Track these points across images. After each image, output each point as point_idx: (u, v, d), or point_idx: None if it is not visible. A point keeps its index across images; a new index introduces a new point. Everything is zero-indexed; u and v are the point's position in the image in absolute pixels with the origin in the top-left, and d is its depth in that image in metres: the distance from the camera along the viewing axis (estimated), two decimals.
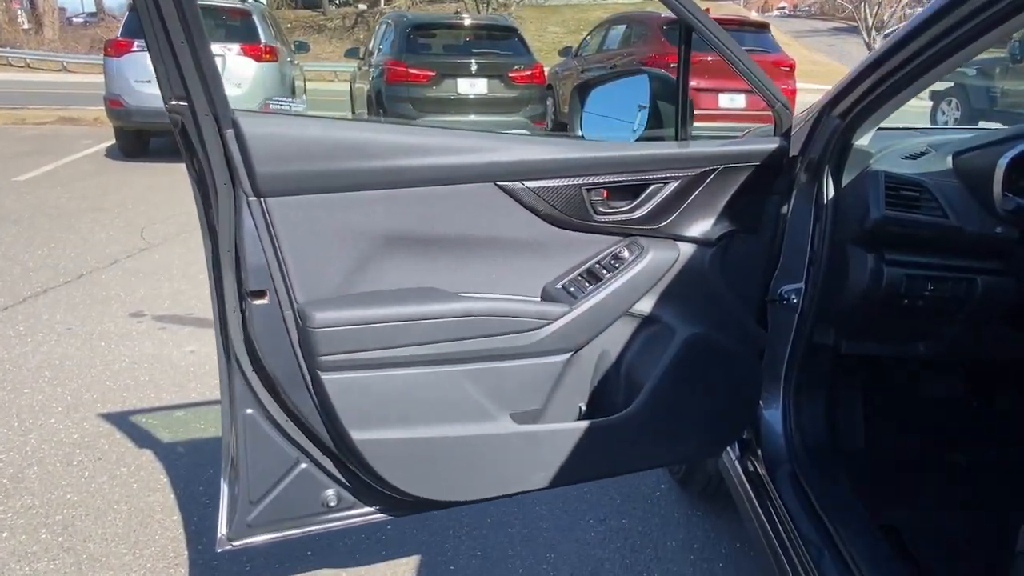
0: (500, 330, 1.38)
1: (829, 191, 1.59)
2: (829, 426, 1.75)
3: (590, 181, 1.43)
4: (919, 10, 1.31)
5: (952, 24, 1.23)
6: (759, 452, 1.74)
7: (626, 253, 1.48)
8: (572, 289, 1.46)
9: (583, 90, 1.73)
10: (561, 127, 10.68)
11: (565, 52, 11.56)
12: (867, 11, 10.67)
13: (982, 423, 1.88)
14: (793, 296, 1.66)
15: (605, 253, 1.49)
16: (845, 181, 1.61)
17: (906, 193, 1.52)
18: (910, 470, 1.81)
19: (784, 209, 1.63)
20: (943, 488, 1.78)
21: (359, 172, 1.27)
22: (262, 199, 1.22)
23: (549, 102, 10.30)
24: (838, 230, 1.60)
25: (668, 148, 1.48)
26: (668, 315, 1.53)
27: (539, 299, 1.47)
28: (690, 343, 1.52)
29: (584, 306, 1.43)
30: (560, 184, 1.40)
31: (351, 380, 1.29)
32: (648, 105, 1.57)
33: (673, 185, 1.48)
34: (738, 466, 1.79)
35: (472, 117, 8.17)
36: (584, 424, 1.47)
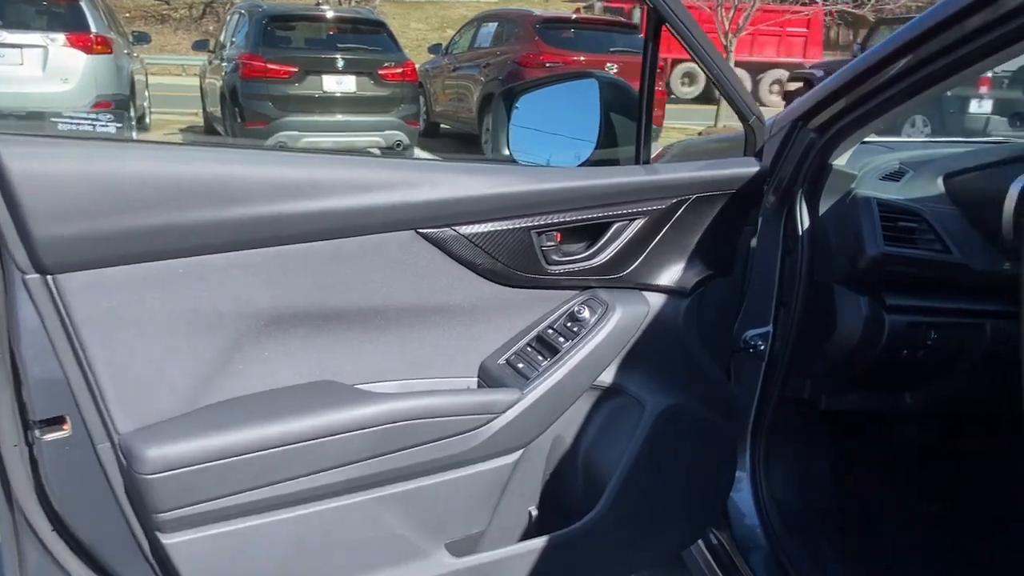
0: (430, 436, 0.99)
1: (804, 219, 1.32)
2: (809, 496, 1.50)
3: (541, 222, 1.07)
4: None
5: (974, 30, 0.98)
6: (728, 531, 1.45)
7: (586, 313, 1.13)
8: (521, 366, 1.09)
9: (509, 98, 1.36)
10: (433, 127, 10.26)
11: (435, 49, 11.14)
12: (723, 15, 11.00)
13: (976, 472, 1.71)
14: (759, 342, 1.38)
15: (560, 314, 1.14)
16: (823, 207, 1.35)
17: (904, 224, 1.28)
18: (902, 531, 1.59)
19: (753, 241, 1.35)
20: (935, 546, 1.57)
21: (213, 226, 0.84)
22: (48, 276, 0.77)
23: (421, 101, 9.87)
24: (819, 267, 1.33)
25: (633, 176, 1.15)
26: (635, 385, 1.20)
27: (478, 381, 1.09)
28: (663, 419, 1.20)
29: (539, 388, 1.08)
30: (503, 228, 1.04)
31: (213, 541, 0.86)
32: (599, 119, 1.22)
33: (640, 222, 1.15)
34: (704, 548, 1.49)
35: (340, 117, 7.63)
36: (541, 542, 1.12)
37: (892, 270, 1.26)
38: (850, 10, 15.32)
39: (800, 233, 1.32)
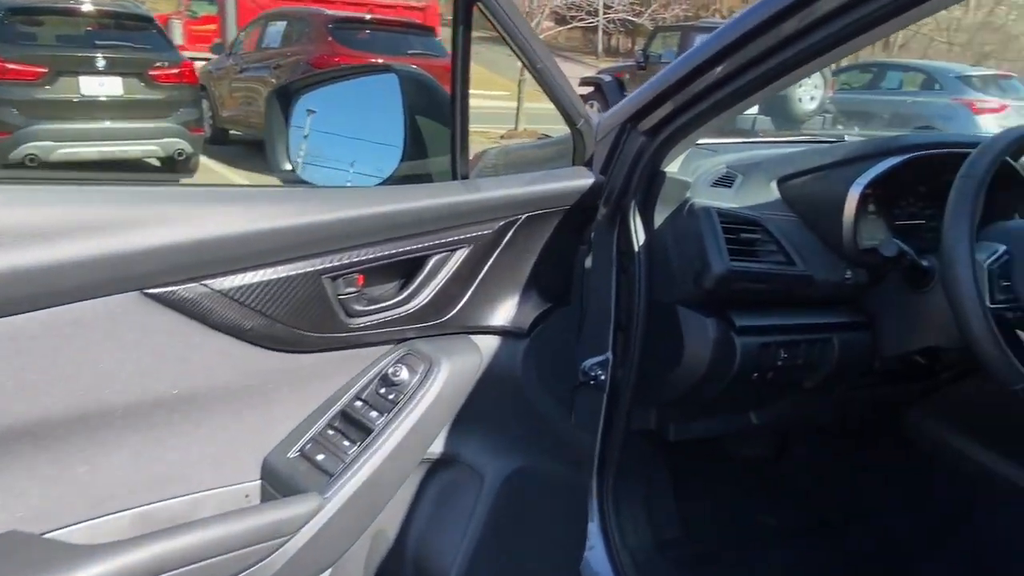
0: None
1: (639, 233, 1.17)
2: (665, 535, 1.36)
3: (335, 263, 0.80)
4: None
5: (814, 20, 0.87)
6: None
7: (404, 373, 0.88)
8: (321, 457, 0.82)
9: (284, 98, 1.07)
10: (221, 133, 9.39)
11: (218, 49, 10.24)
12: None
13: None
14: (599, 372, 1.21)
15: (370, 379, 0.88)
16: (659, 219, 1.21)
17: (746, 236, 1.16)
18: (760, 554, 1.51)
19: (587, 261, 1.18)
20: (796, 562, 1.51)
21: None
22: None
23: (205, 105, 8.99)
24: (660, 286, 1.19)
25: (451, 195, 0.91)
26: (471, 451, 0.98)
27: (262, 487, 0.80)
28: (508, 488, 0.99)
29: (348, 485, 0.81)
30: (281, 275, 0.76)
31: None
32: (403, 123, 0.97)
33: (463, 252, 0.92)
34: None
35: (107, 124, 6.70)
36: None
37: (739, 288, 1.14)
38: (630, 18, 16.35)
39: (636, 249, 1.17)
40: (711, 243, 1.13)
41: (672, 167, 1.21)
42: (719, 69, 1.00)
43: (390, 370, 0.87)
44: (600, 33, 20.22)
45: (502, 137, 10.15)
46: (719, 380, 1.18)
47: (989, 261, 0.99)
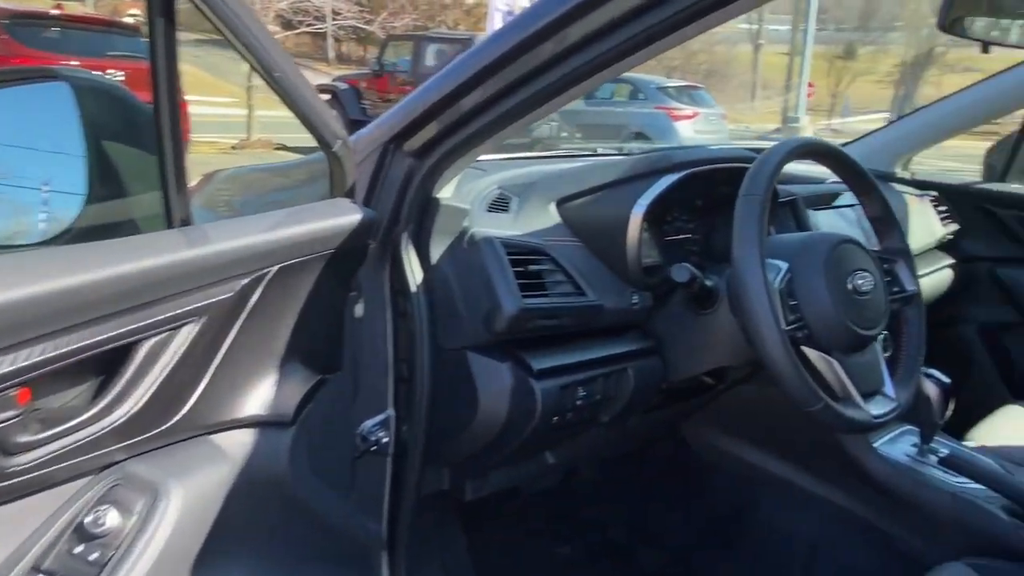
0: None
1: (414, 269, 1.00)
2: None
3: None
4: None
5: (569, 46, 0.79)
6: None
7: (112, 518, 0.61)
8: None
9: None
10: None
11: None
12: None
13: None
14: (381, 433, 1.03)
15: (53, 538, 0.59)
16: (436, 252, 1.05)
17: (534, 267, 1.04)
18: None
19: (358, 308, 0.99)
20: None
21: None
22: None
23: None
24: (443, 329, 1.03)
25: (166, 250, 0.66)
26: None
27: None
28: None
29: None
30: None
31: None
32: (85, 152, 0.69)
33: (192, 327, 0.67)
34: None
35: None
36: None
37: (532, 326, 1.01)
38: (360, 25, 16.11)
39: (413, 288, 0.99)
40: (499, 279, 0.99)
41: (446, 192, 1.05)
42: (480, 91, 0.87)
43: (87, 518, 0.59)
44: (330, 39, 19.67)
45: (233, 147, 9.30)
46: (520, 431, 1.05)
47: (777, 282, 0.97)
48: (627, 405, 1.16)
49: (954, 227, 1.96)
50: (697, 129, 10.71)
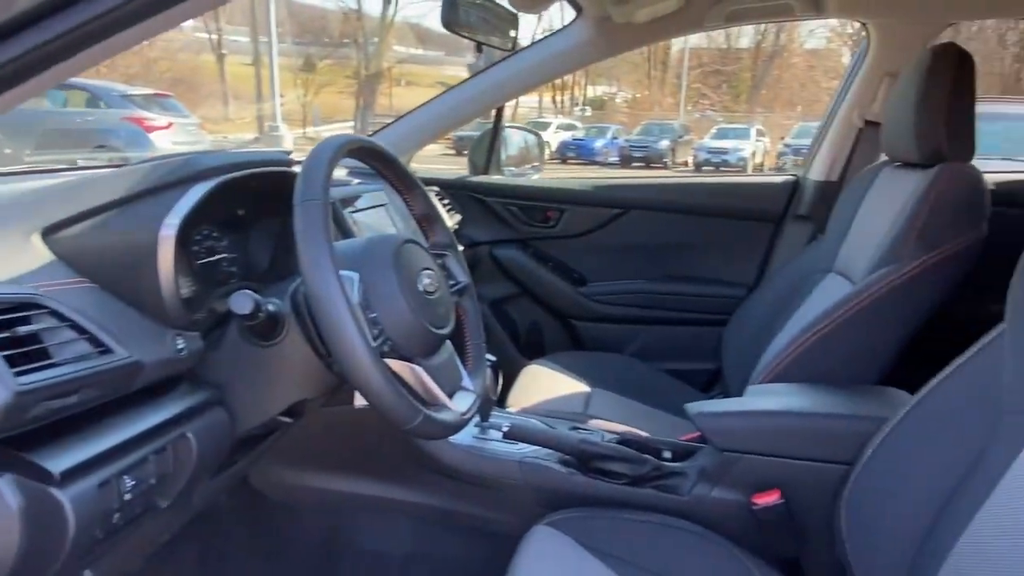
0: None
1: None
2: None
3: None
4: None
5: None
6: None
7: None
8: None
9: None
10: None
11: None
12: None
13: None
14: None
15: None
16: None
17: (25, 329, 0.73)
18: None
19: None
20: None
21: None
22: None
23: None
24: None
25: None
26: None
27: None
28: None
29: None
30: None
31: None
32: None
33: None
34: None
35: None
36: None
37: (39, 413, 0.70)
38: None
39: None
40: None
41: None
42: None
43: None
44: None
45: None
46: (48, 561, 0.73)
47: (354, 295, 0.87)
48: (191, 478, 0.92)
49: (458, 217, 2.15)
50: (175, 140, 9.96)
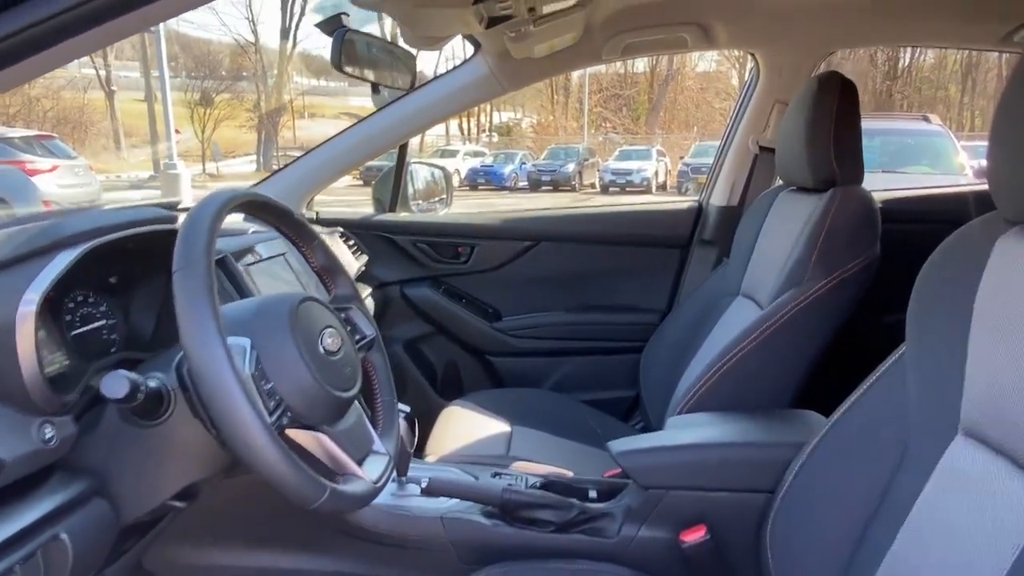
0: None
1: None
2: None
3: None
4: None
5: None
6: None
7: None
8: None
9: None
10: None
11: None
12: None
13: None
14: None
15: None
16: None
17: None
18: None
19: None
20: None
21: None
22: None
23: None
24: None
25: None
26: None
27: None
28: None
29: None
30: None
31: None
32: None
33: None
34: None
35: None
36: None
37: None
38: None
39: None
40: None
41: None
42: None
43: None
44: None
45: None
46: None
47: (246, 366, 0.79)
48: None
49: (365, 258, 2.08)
50: (61, 183, 9.43)
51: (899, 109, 21.94)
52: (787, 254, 1.46)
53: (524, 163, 20.93)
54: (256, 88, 25.91)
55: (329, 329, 0.93)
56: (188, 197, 11.33)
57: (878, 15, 1.74)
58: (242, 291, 1.22)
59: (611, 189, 18.31)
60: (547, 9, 1.31)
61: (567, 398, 1.99)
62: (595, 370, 2.16)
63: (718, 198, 2.11)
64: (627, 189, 18.12)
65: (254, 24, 25.73)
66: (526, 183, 19.67)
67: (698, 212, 2.15)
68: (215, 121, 25.76)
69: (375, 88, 1.29)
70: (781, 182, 1.73)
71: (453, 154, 20.37)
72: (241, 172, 23.80)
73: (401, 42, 1.33)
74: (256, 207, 0.95)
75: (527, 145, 26.13)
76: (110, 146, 25.46)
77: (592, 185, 19.68)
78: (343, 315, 1.07)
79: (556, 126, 28.61)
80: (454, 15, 1.20)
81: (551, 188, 19.14)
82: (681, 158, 19.47)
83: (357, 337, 1.07)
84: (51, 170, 9.42)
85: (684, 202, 2.21)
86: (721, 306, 1.71)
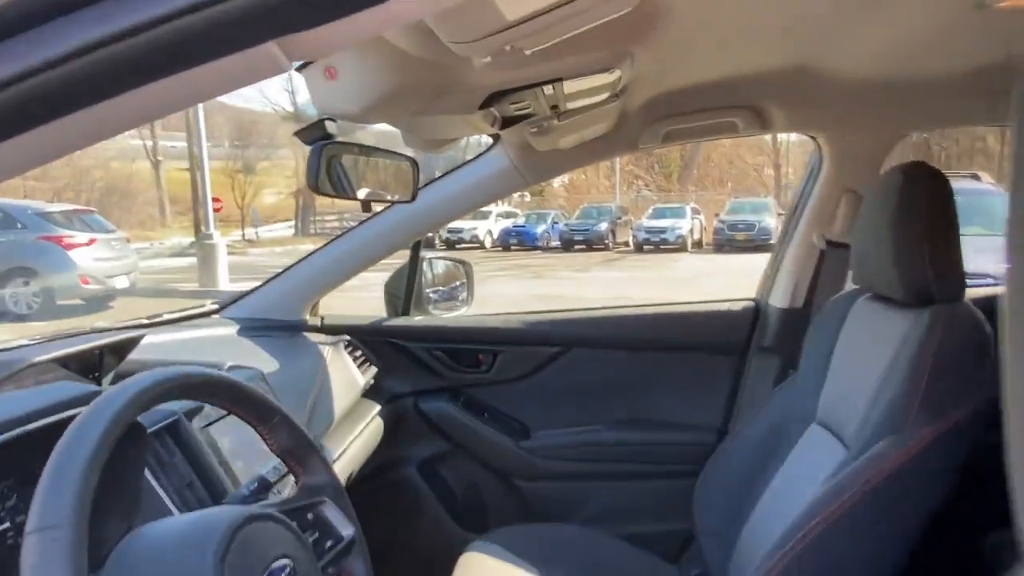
0: None
1: None
2: None
3: None
4: None
5: None
6: None
7: None
8: None
9: None
10: None
11: None
12: None
13: None
14: None
15: None
16: None
17: None
18: None
19: None
20: None
21: None
22: None
23: None
24: None
25: None
26: None
27: None
28: None
29: None
30: None
31: None
32: None
33: None
34: None
35: None
36: None
37: None
38: None
39: None
40: None
41: None
42: None
43: None
44: None
45: None
46: None
47: None
48: None
49: (374, 370, 1.85)
50: (97, 256, 9.51)
51: (937, 161, 21.44)
52: (877, 385, 1.17)
53: (556, 223, 20.85)
54: (294, 155, 26.55)
55: (281, 559, 0.68)
56: (224, 266, 11.40)
57: (965, 93, 1.48)
58: (197, 464, 0.98)
59: (646, 247, 18.07)
60: (572, 105, 1.09)
61: (607, 537, 1.70)
62: (639, 499, 1.86)
63: (779, 299, 1.83)
64: (662, 247, 17.85)
65: (293, 95, 26.44)
66: (558, 243, 19.54)
67: (755, 313, 1.87)
68: (255, 188, 26.37)
69: (366, 207, 1.08)
70: (855, 285, 1.46)
71: (486, 216, 20.37)
72: (280, 237, 24.20)
73: (402, 145, 1.12)
74: (191, 390, 0.72)
75: (559, 204, 26.12)
76: (155, 214, 26.19)
77: (626, 243, 19.47)
78: (310, 515, 0.82)
79: (587, 185, 28.62)
80: (460, 119, 0.98)
81: (584, 247, 18.96)
82: (716, 215, 19.18)
83: (328, 543, 0.82)
84: (89, 243, 9.53)
85: (739, 302, 1.93)
86: (793, 434, 1.43)
